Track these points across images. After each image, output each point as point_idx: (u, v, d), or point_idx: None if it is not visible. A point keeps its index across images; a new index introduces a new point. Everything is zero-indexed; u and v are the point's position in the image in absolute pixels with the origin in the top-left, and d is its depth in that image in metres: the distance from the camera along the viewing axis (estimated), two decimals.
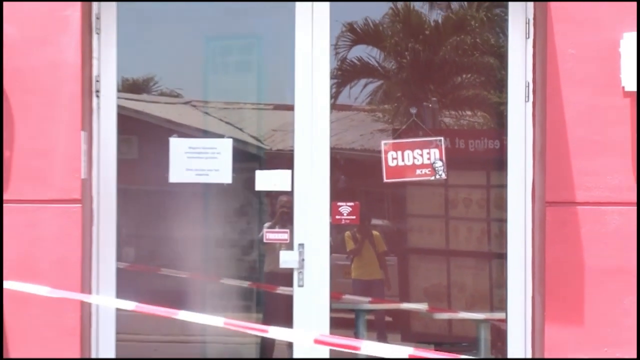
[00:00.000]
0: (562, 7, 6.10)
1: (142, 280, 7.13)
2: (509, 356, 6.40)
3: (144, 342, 7.34)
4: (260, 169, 6.75)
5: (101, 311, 6.38)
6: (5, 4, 6.08)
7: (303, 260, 6.42)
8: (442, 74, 7.99)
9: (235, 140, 6.85)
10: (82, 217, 6.12)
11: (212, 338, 7.26)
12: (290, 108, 6.52)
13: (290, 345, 6.50)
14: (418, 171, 6.76)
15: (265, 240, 6.82)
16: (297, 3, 6.45)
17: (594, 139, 6.07)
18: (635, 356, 5.85)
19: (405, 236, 7.95)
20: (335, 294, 6.72)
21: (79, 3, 6.11)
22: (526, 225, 6.37)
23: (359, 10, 7.53)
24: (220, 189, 6.83)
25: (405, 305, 7.73)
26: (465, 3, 7.49)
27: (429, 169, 6.74)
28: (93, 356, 6.36)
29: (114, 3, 6.42)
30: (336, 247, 7.03)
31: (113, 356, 6.42)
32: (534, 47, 6.34)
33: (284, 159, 6.62)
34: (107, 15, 6.44)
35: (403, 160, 6.76)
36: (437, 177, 6.77)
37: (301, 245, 6.44)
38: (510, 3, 6.43)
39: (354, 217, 6.85)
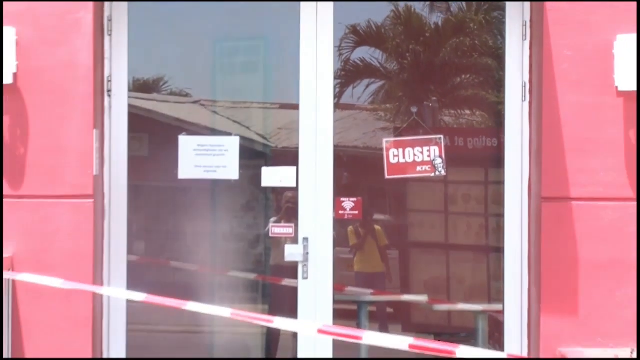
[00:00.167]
0: (558, 10, 6.10)
1: (152, 273, 7.13)
2: (505, 346, 6.40)
3: (153, 332, 7.34)
4: (266, 165, 6.75)
5: (112, 302, 6.38)
6: (20, 6, 6.08)
7: (307, 253, 6.42)
8: (442, 75, 7.99)
9: (242, 138, 6.86)
10: (94, 212, 6.12)
11: (220, 329, 7.26)
12: (296, 107, 6.52)
13: (295, 335, 6.49)
14: (418, 168, 6.76)
15: (271, 235, 6.82)
16: (302, 6, 6.45)
17: (588, 137, 6.07)
18: (634, 355, 5.85)
19: (406, 231, 7.94)
20: (338, 286, 6.71)
21: (91, 5, 6.11)
22: (523, 220, 6.37)
23: (361, 13, 7.53)
24: (227, 185, 6.82)
25: (406, 297, 7.73)
26: (465, 6, 7.48)
27: (429, 166, 6.74)
28: (104, 345, 6.36)
29: (126, 5, 6.42)
30: (339, 241, 7.02)
31: (124, 345, 6.43)
32: (530, 48, 6.33)
33: (289, 156, 6.62)
34: (119, 18, 6.44)
35: (404, 157, 6.75)
36: (437, 173, 6.77)
37: (306, 239, 6.44)
38: (507, 6, 6.43)
39: (356, 212, 6.86)
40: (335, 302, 6.49)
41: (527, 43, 6.36)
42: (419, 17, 7.62)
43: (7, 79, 6.01)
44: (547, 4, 6.11)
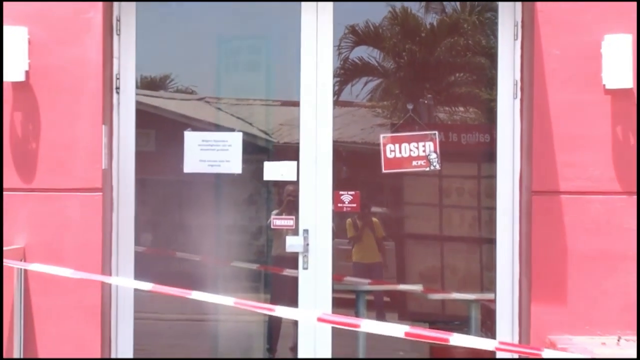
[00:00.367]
0: (548, 11, 6.09)
1: (159, 263, 7.13)
2: (497, 334, 6.40)
3: (159, 320, 7.34)
4: (268, 160, 6.75)
5: (120, 291, 6.38)
6: (32, 6, 6.07)
7: (308, 244, 6.42)
8: (437, 73, 7.98)
9: (245, 133, 6.86)
10: (103, 204, 6.12)
11: (223, 317, 7.26)
12: (296, 104, 6.52)
13: (295, 323, 6.49)
14: (414, 162, 6.76)
15: (272, 226, 6.82)
16: (303, 7, 6.45)
17: (576, 133, 6.07)
18: (621, 342, 5.85)
19: (402, 223, 7.94)
20: (337, 276, 6.70)
21: (101, 6, 6.10)
22: (514, 212, 6.37)
23: (360, 14, 7.51)
24: (231, 179, 6.82)
25: (402, 287, 7.72)
26: (459, 7, 7.47)
27: (424, 161, 6.73)
28: (113, 333, 6.36)
29: (134, 6, 6.41)
30: (338, 232, 7.02)
31: (131, 332, 6.42)
32: (521, 48, 6.33)
33: (290, 151, 6.61)
34: (127, 18, 6.43)
35: (400, 152, 6.75)
36: (432, 168, 6.77)
37: (306, 231, 6.44)
38: (500, 7, 6.42)
39: (354, 205, 6.85)
40: (334, 291, 6.49)
41: (518, 43, 6.35)
42: (415, 18, 7.61)
43: (20, 77, 6.01)
44: (538, 5, 6.10)
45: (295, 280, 6.50)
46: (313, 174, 6.48)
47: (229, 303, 5.32)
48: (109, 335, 6.33)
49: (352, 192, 6.82)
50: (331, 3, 6.43)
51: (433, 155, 6.73)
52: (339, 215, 6.92)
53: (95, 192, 6.09)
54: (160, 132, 7.19)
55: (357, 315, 7.28)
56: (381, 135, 6.84)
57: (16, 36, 5.98)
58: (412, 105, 7.46)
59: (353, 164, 7.26)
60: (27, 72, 6.04)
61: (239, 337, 7.53)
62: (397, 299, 7.83)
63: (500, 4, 6.41)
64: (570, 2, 6.09)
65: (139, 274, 6.39)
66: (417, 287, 7.53)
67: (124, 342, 6.42)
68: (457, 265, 7.59)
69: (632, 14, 6.06)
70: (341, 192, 6.75)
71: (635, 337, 5.90)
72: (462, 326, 7.14)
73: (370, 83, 7.94)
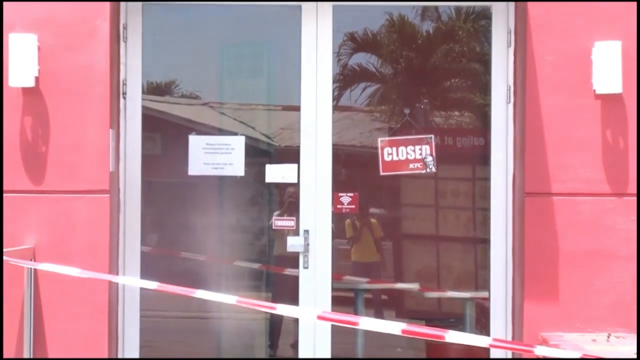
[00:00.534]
0: (540, 19, 6.09)
1: (164, 263, 7.12)
2: (491, 331, 6.39)
3: (164, 318, 7.33)
4: (270, 163, 6.74)
5: (127, 290, 6.38)
6: (41, 14, 6.07)
7: (308, 244, 6.42)
8: (433, 79, 7.97)
9: (248, 137, 6.87)
10: (110, 206, 6.12)
11: (226, 314, 7.25)
12: (297, 109, 6.52)
13: (296, 321, 6.49)
14: (411, 165, 6.76)
15: (274, 227, 6.83)
16: (303, 15, 6.45)
17: (568, 137, 6.07)
18: (611, 339, 5.84)
19: (400, 223, 7.93)
20: (336, 275, 6.70)
21: (108, 14, 6.10)
22: (507, 213, 6.37)
23: (359, 21, 7.51)
24: (234, 181, 6.82)
25: (399, 285, 7.71)
26: (454, 15, 7.47)
27: (421, 164, 6.74)
28: (120, 330, 6.36)
29: (140, 14, 6.41)
30: (338, 233, 7.01)
31: (137, 329, 6.42)
32: (514, 54, 6.33)
33: (291, 154, 6.61)
34: (133, 25, 6.43)
35: (397, 155, 6.75)
36: (428, 170, 6.77)
37: (306, 231, 6.43)
38: (493, 15, 6.42)
39: (353, 206, 6.85)
40: (333, 289, 6.49)
41: (511, 49, 6.36)
42: (411, 25, 7.60)
43: (30, 83, 6.01)
44: (530, 13, 6.10)
45: (296, 279, 6.50)
46: (313, 176, 6.48)
47: (231, 301, 5.31)
48: (116, 332, 6.32)
49: (351, 194, 6.82)
50: (331, 12, 6.44)
51: (429, 158, 6.73)
52: (338, 216, 6.91)
53: (103, 194, 6.09)
54: (165, 136, 7.19)
55: (356, 313, 7.27)
56: (379, 139, 6.84)
57: (26, 43, 5.98)
58: (409, 110, 7.46)
59: (352, 166, 7.25)
60: (36, 78, 6.04)
61: (242, 334, 7.52)
62: (395, 297, 7.82)
63: (493, 12, 6.42)
64: (561, 10, 6.09)
65: (145, 273, 6.39)
66: (413, 286, 7.53)
67: (130, 339, 6.42)
68: (453, 265, 7.59)
69: (621, 21, 6.06)
70: (340, 194, 6.75)
71: (625, 334, 5.90)
72: (457, 323, 7.14)
73: (369, 88, 7.94)
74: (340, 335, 6.54)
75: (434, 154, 6.74)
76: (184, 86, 7.64)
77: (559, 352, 5.14)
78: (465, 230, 7.51)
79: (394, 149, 6.77)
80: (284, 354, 7.30)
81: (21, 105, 6.07)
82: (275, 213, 6.93)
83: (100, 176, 6.09)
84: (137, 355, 6.42)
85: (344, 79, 7.70)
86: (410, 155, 6.75)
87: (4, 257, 5.48)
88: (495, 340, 5.97)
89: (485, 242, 6.54)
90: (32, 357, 5.99)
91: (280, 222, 6.77)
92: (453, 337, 4.92)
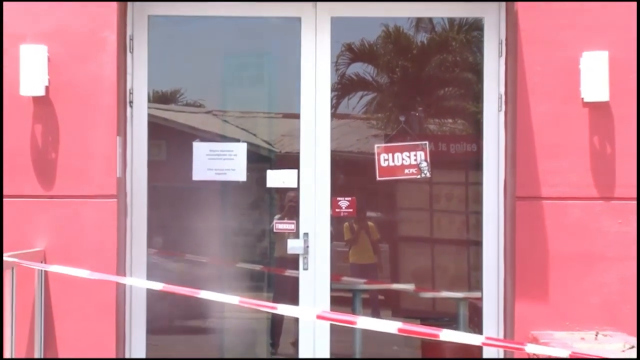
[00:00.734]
0: (530, 30, 6.10)
1: (169, 265, 7.12)
2: (483, 329, 6.39)
3: (171, 318, 7.33)
4: (271, 168, 6.75)
5: (134, 290, 6.37)
6: (52, 26, 6.06)
7: (307, 247, 6.42)
8: (428, 88, 7.97)
9: (250, 144, 6.87)
10: (118, 210, 6.11)
11: (230, 314, 7.24)
12: (297, 116, 6.52)
13: (296, 320, 6.48)
14: (406, 170, 6.76)
15: (275, 230, 6.82)
16: (303, 27, 6.45)
17: (557, 143, 6.07)
18: (599, 337, 5.84)
19: (396, 226, 7.92)
20: (335, 276, 6.69)
21: (115, 26, 6.10)
22: (499, 217, 6.37)
23: (356, 33, 7.51)
24: (236, 186, 6.82)
25: (396, 286, 7.71)
26: (447, 26, 7.47)
27: (416, 169, 6.73)
28: (127, 329, 6.35)
29: (146, 26, 6.41)
30: (336, 235, 7.00)
31: (144, 328, 6.41)
32: (506, 64, 6.33)
33: (291, 160, 6.61)
34: (140, 37, 6.43)
35: (393, 161, 6.75)
36: (423, 175, 6.77)
37: (306, 234, 6.43)
38: (485, 27, 6.42)
39: (351, 210, 6.85)
40: (332, 290, 6.49)
41: (502, 59, 6.36)
42: (406, 36, 7.60)
43: (40, 92, 6.01)
44: (521, 24, 6.10)
45: (296, 280, 6.49)
46: (312, 181, 6.47)
47: (234, 301, 5.30)
48: (124, 332, 6.31)
49: (349, 198, 6.82)
50: (329, 23, 6.44)
51: (424, 164, 6.73)
52: (336, 220, 6.91)
53: (111, 199, 6.08)
54: (170, 143, 7.19)
55: (353, 312, 7.26)
56: (375, 145, 6.84)
57: (37, 54, 5.98)
58: (404, 118, 7.46)
59: (350, 172, 7.24)
60: (47, 88, 6.03)
61: (245, 333, 7.51)
62: (391, 298, 7.81)
63: (485, 24, 6.43)
64: (550, 22, 6.09)
65: (151, 275, 6.39)
66: (409, 286, 7.52)
67: (137, 338, 6.41)
68: (447, 266, 7.58)
69: (608, 32, 6.06)
70: (338, 198, 6.75)
71: (612, 333, 5.90)
72: (451, 322, 7.13)
73: (366, 97, 7.94)
74: (339, 334, 6.53)
75: (428, 159, 6.74)
76: (188, 95, 7.64)
77: (548, 350, 5.14)
78: (458, 232, 7.51)
79: (390, 155, 6.77)
80: (285, 352, 7.28)
81: (32, 113, 6.07)
82: (276, 217, 6.93)
83: (107, 181, 6.08)
84: (144, 355, 6.41)
85: (342, 88, 7.70)
86: (405, 161, 6.75)
87: (17, 260, 5.48)
88: (487, 338, 5.96)
89: (478, 244, 6.53)
90: (42, 355, 5.99)
91: (281, 226, 6.76)
92: (447, 335, 4.91)
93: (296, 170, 6.52)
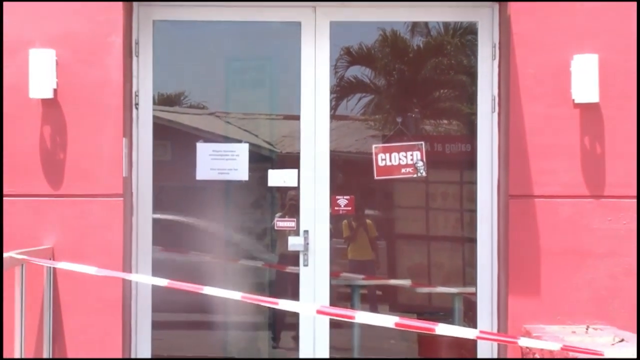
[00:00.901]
0: (523, 34, 6.09)
1: (173, 261, 7.10)
2: (478, 323, 6.38)
3: (175, 313, 7.30)
4: (272, 168, 6.73)
5: (139, 287, 6.36)
6: (59, 31, 6.06)
7: (308, 244, 6.42)
8: (423, 90, 7.95)
9: (251, 144, 6.86)
10: (124, 208, 6.11)
11: (232, 309, 7.21)
12: (297, 118, 6.52)
13: (297, 314, 6.47)
14: (403, 170, 6.76)
15: (276, 228, 6.82)
16: (303, 32, 6.45)
17: (549, 143, 6.06)
18: (589, 331, 5.84)
19: (393, 224, 7.90)
20: (334, 272, 6.69)
21: (121, 30, 6.09)
22: (493, 214, 6.37)
23: (354, 37, 7.50)
24: (238, 185, 6.81)
25: (393, 281, 7.69)
26: (443, 30, 7.46)
27: (412, 168, 6.73)
28: (133, 324, 6.34)
29: (151, 30, 6.40)
30: (335, 233, 6.99)
31: (149, 323, 6.41)
32: (499, 67, 6.33)
33: (291, 160, 6.61)
34: (145, 41, 6.43)
35: (391, 161, 6.75)
36: (419, 175, 6.77)
37: (306, 231, 6.43)
38: (479, 31, 6.42)
39: (350, 208, 6.85)
40: (331, 285, 6.48)
41: (496, 62, 6.35)
42: (403, 40, 7.58)
43: (48, 94, 6.01)
44: (513, 28, 6.10)
45: (296, 276, 6.49)
46: (312, 180, 6.47)
47: (237, 297, 5.30)
48: (130, 326, 6.31)
49: (348, 197, 6.82)
50: (328, 28, 6.44)
51: (420, 164, 6.73)
52: (335, 218, 6.90)
53: (117, 198, 6.08)
54: (175, 144, 7.17)
55: (352, 307, 7.25)
56: (373, 146, 6.84)
57: (45, 58, 5.98)
58: (401, 119, 7.44)
59: (348, 171, 7.22)
60: (55, 90, 6.03)
61: (247, 326, 7.50)
62: (389, 293, 7.80)
63: (479, 28, 6.42)
64: (542, 26, 6.09)
65: (156, 271, 6.38)
66: (406, 282, 7.51)
67: (142, 333, 6.41)
68: (442, 262, 7.57)
69: (598, 36, 6.07)
70: (337, 197, 6.75)
71: (602, 326, 5.89)
72: (447, 317, 7.12)
73: (364, 99, 7.92)
74: (338, 328, 6.53)
75: (424, 159, 6.74)
76: (192, 97, 7.62)
77: (541, 343, 5.13)
78: (453, 230, 7.50)
79: (387, 154, 6.77)
80: (286, 345, 7.27)
81: (41, 115, 6.06)
82: (277, 215, 6.92)
83: (114, 181, 6.08)
84: (149, 348, 6.41)
85: (341, 90, 7.68)
86: (402, 160, 6.75)
87: (27, 257, 5.47)
88: (481, 332, 5.96)
89: (472, 241, 6.53)
90: (51, 349, 5.98)
91: (282, 223, 6.76)
92: (443, 329, 4.90)
93: (296, 170, 6.51)
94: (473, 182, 6.50)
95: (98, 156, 6.07)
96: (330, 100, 6.62)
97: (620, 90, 6.06)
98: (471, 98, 6.69)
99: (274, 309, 7.00)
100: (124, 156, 6.14)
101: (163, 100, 7.15)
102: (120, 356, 6.06)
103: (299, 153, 6.51)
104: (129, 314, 6.29)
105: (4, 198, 5.99)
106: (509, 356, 6.04)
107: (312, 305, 6.15)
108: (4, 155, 6.02)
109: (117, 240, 6.07)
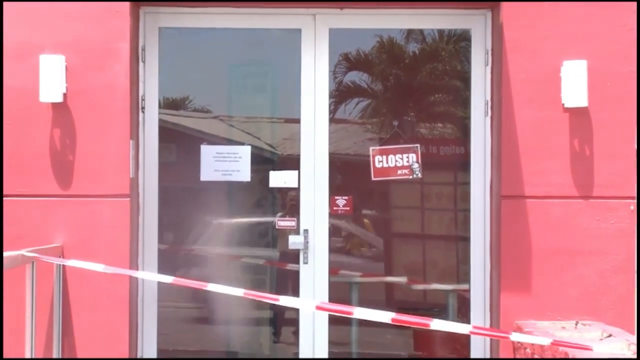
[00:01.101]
0: (514, 41, 6.09)
1: (178, 259, 7.10)
2: (471, 319, 6.37)
3: (180, 308, 7.30)
4: (273, 170, 6.72)
5: (146, 283, 6.35)
6: (69, 37, 6.05)
7: (307, 242, 6.41)
8: (419, 94, 7.94)
9: (253, 147, 6.85)
10: (131, 208, 6.10)
11: (234, 305, 7.20)
12: (297, 121, 6.52)
13: (297, 310, 6.46)
14: (399, 171, 6.75)
15: (277, 227, 6.80)
16: (303, 39, 6.44)
17: (539, 146, 6.06)
18: (579, 326, 5.83)
19: (389, 223, 7.88)
20: (333, 270, 6.67)
21: (128, 37, 6.09)
22: (485, 214, 6.36)
23: (352, 43, 7.48)
24: (241, 186, 6.80)
25: (389, 279, 7.67)
26: (437, 37, 7.45)
27: (408, 170, 6.72)
28: (139, 319, 6.34)
29: (157, 37, 6.40)
30: (334, 232, 6.97)
31: (155, 318, 6.40)
32: (492, 72, 6.32)
33: (292, 162, 6.60)
34: (151, 47, 6.43)
35: (387, 162, 6.74)
36: (415, 176, 6.76)
37: (306, 230, 6.43)
38: (473, 38, 6.42)
39: (348, 208, 6.84)
40: (330, 282, 6.47)
41: (489, 68, 6.35)
42: (399, 47, 7.57)
43: (58, 99, 6.01)
44: (506, 35, 6.09)
45: (296, 274, 6.49)
46: (312, 181, 6.47)
47: (239, 293, 5.29)
48: (136, 322, 6.30)
49: (346, 197, 6.80)
50: (327, 35, 6.44)
51: (415, 165, 6.72)
52: (334, 217, 6.89)
53: (124, 198, 6.07)
54: (180, 146, 7.16)
55: (350, 303, 7.24)
56: (371, 148, 6.83)
57: (55, 63, 5.98)
58: (398, 122, 7.43)
59: (346, 172, 7.21)
60: (64, 94, 6.03)
61: (249, 322, 7.49)
62: (385, 289, 7.78)
63: (473, 34, 6.42)
64: (533, 33, 6.08)
65: (162, 268, 6.38)
66: (402, 279, 7.49)
67: (149, 328, 6.40)
68: (437, 260, 7.55)
69: (587, 43, 6.06)
70: (336, 197, 6.73)
71: (591, 322, 5.89)
72: (441, 313, 7.11)
73: (361, 103, 7.90)
74: (336, 323, 6.52)
75: (419, 161, 6.73)
76: (196, 101, 7.61)
77: (532, 338, 5.12)
78: (447, 229, 7.48)
79: (384, 157, 6.76)
80: (287, 340, 7.25)
81: (51, 119, 6.06)
82: (278, 214, 6.91)
83: (121, 182, 6.07)
84: (155, 342, 6.40)
85: (339, 95, 7.66)
86: (398, 162, 6.74)
87: (37, 255, 5.46)
88: (475, 327, 5.95)
89: (466, 239, 6.52)
90: (60, 343, 5.97)
91: (283, 223, 6.75)
92: (437, 325, 4.90)
93: (297, 171, 6.51)
94: (466, 183, 6.50)
95: (106, 158, 6.06)
96: (329, 104, 6.61)
97: (608, 94, 6.05)
98: (465, 102, 6.68)
99: (275, 305, 7.01)
100: (131, 158, 6.13)
101: (168, 104, 7.14)
102: (127, 350, 6.06)
103: (299, 155, 6.51)
104: (136, 310, 6.28)
105: (16, 198, 5.99)
106: (501, 350, 6.03)
107: (311, 302, 6.14)
108: (15, 157, 6.01)
109: (124, 239, 6.06)
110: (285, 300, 5.42)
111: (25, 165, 6.03)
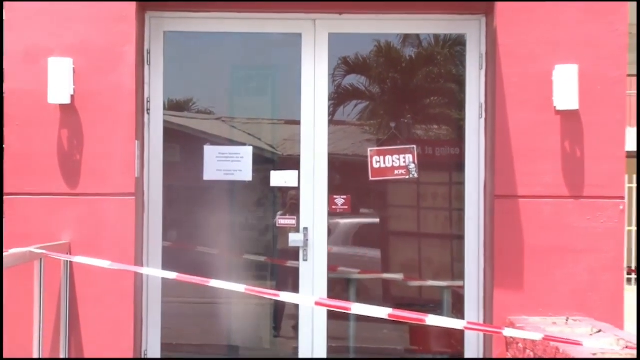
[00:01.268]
0: (508, 45, 6.09)
1: (182, 256, 7.09)
2: (465, 315, 6.37)
3: (183, 304, 7.28)
4: (274, 169, 6.72)
5: (150, 280, 6.35)
6: (77, 41, 6.05)
7: (307, 240, 6.42)
8: (415, 97, 7.92)
9: (255, 147, 6.84)
10: (136, 207, 6.11)
11: (236, 300, 7.20)
12: (298, 123, 6.53)
13: (297, 306, 6.46)
14: (396, 172, 6.75)
15: (278, 225, 6.80)
16: (303, 43, 6.45)
17: (532, 147, 6.06)
18: (570, 322, 5.83)
19: (387, 222, 7.87)
20: (332, 267, 6.67)
21: (134, 41, 6.09)
22: (479, 213, 6.36)
23: (351, 48, 7.48)
24: (243, 185, 6.80)
25: (386, 275, 7.66)
26: (433, 42, 7.44)
27: (405, 170, 6.72)
28: (144, 314, 6.33)
29: (162, 41, 6.40)
30: (333, 230, 6.97)
31: (159, 313, 6.40)
32: (486, 76, 6.32)
33: (292, 162, 6.60)
34: (156, 51, 6.43)
35: (384, 163, 6.74)
36: (411, 176, 6.76)
37: (306, 228, 6.43)
38: (468, 42, 6.42)
39: (346, 207, 6.84)
40: (329, 279, 6.47)
41: (483, 71, 6.35)
42: (396, 51, 7.56)
43: (66, 100, 6.01)
44: (499, 40, 6.09)
45: (296, 270, 6.49)
46: (311, 181, 6.47)
47: (241, 289, 5.29)
48: (141, 317, 6.30)
49: (345, 196, 6.80)
50: (327, 39, 6.44)
51: (412, 166, 6.72)
52: (333, 216, 6.88)
53: (130, 197, 6.07)
54: (184, 146, 7.16)
55: (348, 299, 7.23)
56: (368, 149, 6.83)
57: (63, 66, 5.98)
58: (395, 124, 7.42)
59: (345, 172, 7.20)
60: (72, 96, 6.03)
61: (250, 317, 7.48)
62: (382, 286, 7.78)
63: (468, 39, 6.42)
64: (526, 38, 6.08)
65: (166, 265, 6.37)
66: (398, 276, 7.48)
67: (153, 323, 6.40)
68: (432, 258, 7.54)
69: (578, 48, 6.07)
70: (335, 196, 6.73)
71: (581, 318, 5.89)
72: (436, 309, 7.10)
73: (360, 105, 7.89)
74: (335, 318, 6.52)
75: (416, 162, 6.73)
76: (200, 103, 7.60)
77: (524, 333, 5.12)
78: (443, 228, 7.48)
79: (382, 157, 6.76)
80: (287, 334, 7.25)
81: (59, 120, 6.06)
82: (279, 213, 6.90)
83: (127, 181, 6.07)
84: (159, 337, 6.40)
85: (338, 97, 7.66)
86: (395, 163, 6.74)
87: (45, 252, 5.46)
88: (469, 323, 5.95)
89: (461, 238, 6.53)
90: (68, 338, 5.97)
91: (283, 221, 6.75)
92: (432, 320, 4.90)
93: (297, 171, 6.51)
94: (461, 183, 6.50)
95: (112, 158, 6.06)
96: (329, 107, 6.62)
97: (598, 98, 6.06)
98: (460, 105, 6.69)
99: (275, 300, 7.01)
100: (136, 158, 6.13)
101: (173, 106, 7.14)
102: (132, 344, 6.05)
103: (299, 155, 6.51)
104: (140, 305, 6.29)
105: (25, 197, 5.99)
106: (494, 345, 6.03)
107: (311, 298, 6.14)
108: (24, 157, 6.02)
109: (130, 236, 6.06)
110: (285, 296, 5.42)
111: (34, 164, 6.03)
